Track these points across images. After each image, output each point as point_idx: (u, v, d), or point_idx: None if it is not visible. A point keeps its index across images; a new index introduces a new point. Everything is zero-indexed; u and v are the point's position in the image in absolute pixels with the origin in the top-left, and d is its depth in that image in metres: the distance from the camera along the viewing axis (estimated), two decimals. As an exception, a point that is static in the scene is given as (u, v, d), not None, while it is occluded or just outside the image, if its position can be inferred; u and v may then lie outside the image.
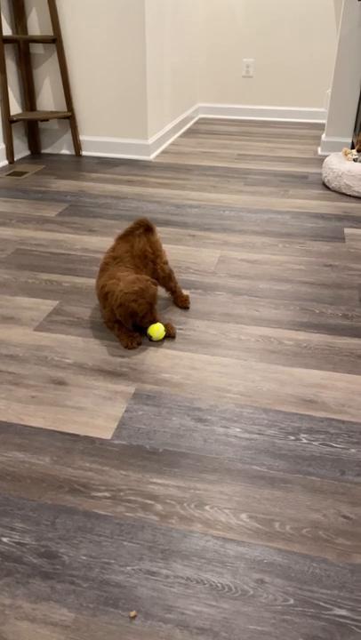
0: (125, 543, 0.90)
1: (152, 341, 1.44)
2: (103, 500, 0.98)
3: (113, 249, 1.53)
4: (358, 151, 2.59)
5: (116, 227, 2.18)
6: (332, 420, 1.18)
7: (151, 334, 1.43)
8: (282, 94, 4.21)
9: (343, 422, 1.17)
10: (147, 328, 1.43)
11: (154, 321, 1.42)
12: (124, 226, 2.18)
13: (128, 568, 0.87)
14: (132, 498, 0.99)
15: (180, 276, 1.79)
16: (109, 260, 1.50)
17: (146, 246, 1.52)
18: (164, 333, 1.44)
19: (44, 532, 0.92)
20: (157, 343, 1.43)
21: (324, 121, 4.18)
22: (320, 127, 4.04)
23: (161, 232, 2.13)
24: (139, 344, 1.42)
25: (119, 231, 2.13)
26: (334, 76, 3.06)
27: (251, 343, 1.45)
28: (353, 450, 1.10)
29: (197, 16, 4.01)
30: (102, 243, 2.04)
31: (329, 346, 1.43)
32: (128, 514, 0.96)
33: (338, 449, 1.10)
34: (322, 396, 1.25)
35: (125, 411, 1.19)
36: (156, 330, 1.43)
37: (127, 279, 1.39)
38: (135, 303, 1.36)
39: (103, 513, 0.96)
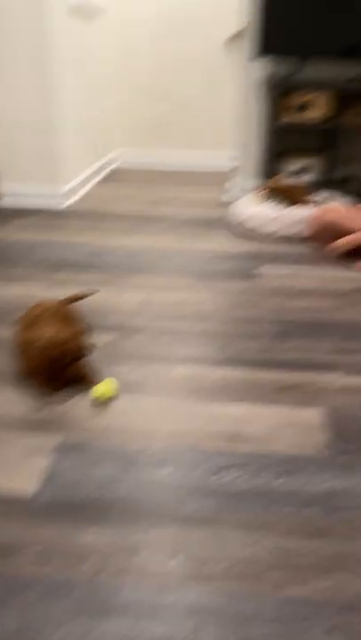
0: (54, 607, 0.86)
1: (100, 402, 1.36)
2: (29, 562, 0.93)
3: (39, 304, 1.54)
4: (262, 195, 2.76)
5: (33, 276, 2.15)
6: (258, 452, 1.20)
7: (97, 395, 1.36)
8: (193, 142, 4.41)
9: (269, 454, 1.19)
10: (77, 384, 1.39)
11: (81, 376, 1.38)
12: (41, 274, 2.16)
13: (59, 633, 0.82)
14: (60, 556, 0.94)
15: (102, 320, 1.78)
16: (38, 314, 1.48)
17: (68, 305, 1.57)
18: (111, 390, 1.36)
19: (-35, 605, 0.86)
20: (83, 390, 1.41)
21: (233, 166, 4.41)
22: (230, 172, 4.25)
23: (81, 277, 2.13)
24: (56, 396, 1.38)
25: (38, 281, 2.10)
26: (239, 126, 3.26)
27: (176, 382, 1.46)
28: (280, 480, 1.12)
29: (110, 69, 4.15)
30: (20, 292, 2.00)
31: (250, 379, 1.47)
32: (56, 573, 0.91)
33: (265, 481, 1.12)
34: (246, 429, 1.27)
35: (50, 462, 1.15)
36: (102, 388, 1.36)
37: (56, 327, 1.39)
38: (60, 348, 1.34)
39: (30, 576, 0.91)
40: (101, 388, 1.36)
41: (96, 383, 1.38)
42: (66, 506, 1.05)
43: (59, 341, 1.36)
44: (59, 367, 1.36)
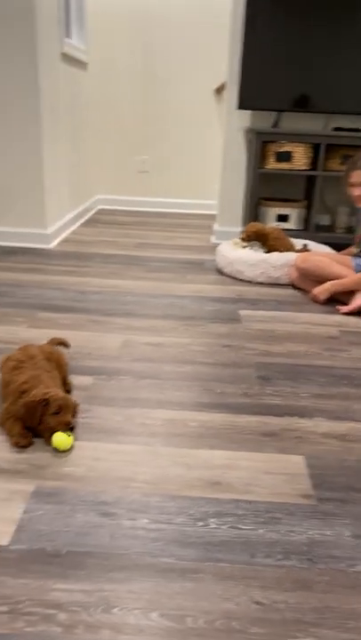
0: (25, 665, 0.81)
1: (59, 451, 1.32)
2: (0, 616, 0.89)
3: (24, 349, 1.54)
4: (242, 239, 2.82)
5: (15, 315, 2.14)
6: (239, 500, 1.18)
7: (58, 445, 1.30)
8: (176, 188, 4.51)
9: (250, 502, 1.17)
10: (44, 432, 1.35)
11: (60, 424, 1.33)
12: (24, 314, 2.15)
13: None
14: (33, 609, 0.90)
15: (83, 363, 1.77)
16: (24, 359, 1.47)
17: (54, 351, 1.58)
18: (70, 440, 1.32)
19: None
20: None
21: (215, 212, 4.51)
22: (213, 217, 4.33)
23: (63, 318, 2.12)
24: (30, 444, 1.34)
25: (20, 320, 2.09)
26: (221, 173, 3.36)
27: (156, 427, 1.44)
28: (261, 530, 1.09)
29: (93, 118, 4.27)
30: (0, 332, 1.98)
31: (232, 425, 1.46)
32: (28, 629, 0.87)
33: (246, 531, 1.09)
34: (227, 476, 1.25)
35: (24, 512, 1.11)
36: (60, 439, 1.31)
37: (40, 374, 1.42)
38: (42, 397, 1.32)
39: (0, 631, 0.86)
40: (59, 440, 1.31)
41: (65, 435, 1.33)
42: (39, 556, 1.01)
43: (40, 391, 1.34)
44: (37, 415, 1.33)
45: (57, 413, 1.32)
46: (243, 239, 2.81)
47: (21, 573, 0.97)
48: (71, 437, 1.33)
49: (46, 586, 0.95)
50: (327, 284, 2.39)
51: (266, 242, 2.79)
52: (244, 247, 2.83)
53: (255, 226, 2.81)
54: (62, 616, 0.89)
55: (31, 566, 0.99)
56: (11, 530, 1.07)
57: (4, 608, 0.90)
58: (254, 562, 1.02)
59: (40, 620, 0.88)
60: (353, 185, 2.39)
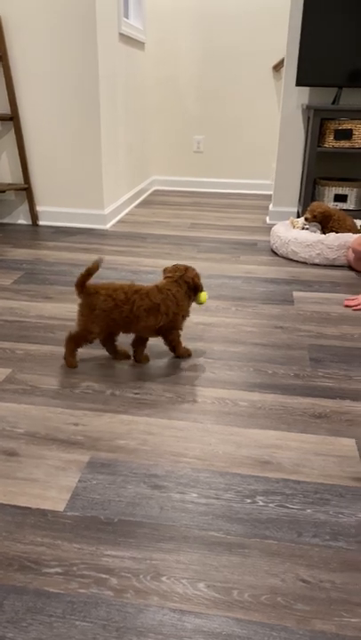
0: (78, 623, 0.86)
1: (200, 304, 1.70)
2: (55, 577, 0.94)
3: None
4: (307, 220, 2.73)
5: (71, 293, 2.20)
6: (288, 480, 1.18)
7: (203, 298, 1.68)
8: (230, 168, 4.46)
9: (298, 482, 1.17)
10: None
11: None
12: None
13: (81, 650, 0.82)
14: (86, 572, 0.95)
15: (135, 341, 1.80)
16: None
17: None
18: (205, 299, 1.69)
19: (-9, 616, 0.87)
20: (113, 409, 1.42)
21: (270, 192, 4.43)
22: (267, 198, 4.27)
23: (116, 298, 2.16)
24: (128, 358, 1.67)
25: (76, 299, 2.15)
26: (278, 151, 3.29)
27: (207, 405, 1.45)
28: (309, 510, 1.10)
29: (150, 98, 4.27)
30: (57, 309, 2.05)
31: (282, 406, 1.46)
32: (81, 590, 0.91)
33: (294, 510, 1.10)
34: (277, 456, 1.26)
35: (79, 481, 1.16)
36: (204, 294, 1.69)
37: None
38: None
39: (55, 591, 0.91)
40: (204, 295, 1.69)
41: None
42: (92, 523, 1.05)
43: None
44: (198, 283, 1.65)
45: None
46: (307, 219, 2.73)
47: (76, 538, 1.02)
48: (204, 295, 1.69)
49: (98, 551, 0.99)
50: None
51: (328, 223, 2.72)
52: (304, 228, 2.76)
53: (321, 206, 2.72)
54: (113, 581, 0.93)
55: (85, 532, 1.03)
56: (66, 497, 1.12)
57: (60, 570, 0.95)
58: (301, 541, 1.02)
59: (92, 583, 0.93)
60: None
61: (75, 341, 1.62)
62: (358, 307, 2.10)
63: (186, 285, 1.64)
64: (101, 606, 0.89)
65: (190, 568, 0.96)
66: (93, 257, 2.69)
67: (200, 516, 1.08)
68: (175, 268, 1.67)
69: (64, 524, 1.05)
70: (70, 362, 1.63)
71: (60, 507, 1.09)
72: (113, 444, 1.28)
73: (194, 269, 1.68)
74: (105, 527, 1.05)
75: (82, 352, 1.71)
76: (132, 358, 1.69)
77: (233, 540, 1.02)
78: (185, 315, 1.65)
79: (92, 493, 1.13)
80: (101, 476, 1.18)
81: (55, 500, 1.11)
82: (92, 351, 1.72)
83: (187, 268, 1.66)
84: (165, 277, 1.66)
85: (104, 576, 0.94)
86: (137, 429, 1.34)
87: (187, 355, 1.71)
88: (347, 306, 2.13)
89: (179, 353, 1.70)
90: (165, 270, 1.69)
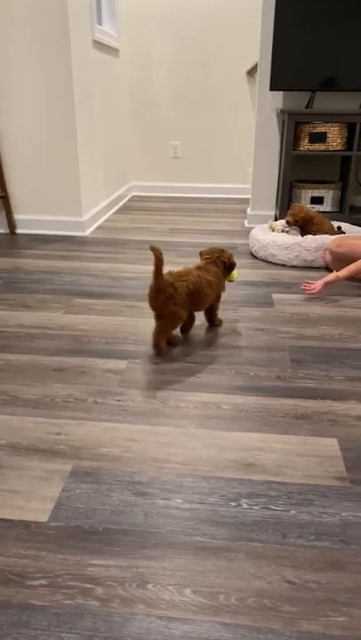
0: (64, 635, 0.85)
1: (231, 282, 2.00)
2: (39, 589, 0.93)
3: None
4: (288, 223, 2.76)
5: (51, 301, 2.19)
6: (272, 482, 1.18)
7: (235, 275, 1.98)
8: (208, 172, 4.48)
9: (282, 484, 1.18)
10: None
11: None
12: (61, 300, 2.19)
13: (67, 663, 0.81)
14: (71, 583, 0.94)
15: (118, 347, 1.80)
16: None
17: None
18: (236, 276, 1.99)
19: (-25, 632, 0.85)
20: (95, 417, 1.41)
21: (248, 196, 4.46)
22: (245, 202, 4.30)
23: (98, 304, 2.16)
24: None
25: (56, 306, 2.13)
26: (254, 156, 3.32)
27: (189, 410, 1.45)
28: (293, 511, 1.10)
29: (126, 105, 4.28)
30: (37, 318, 2.03)
31: (265, 408, 1.46)
32: (66, 601, 0.90)
33: (278, 511, 1.10)
34: (260, 458, 1.26)
35: (62, 490, 1.15)
36: (236, 271, 1.99)
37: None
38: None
39: (39, 603, 0.90)
40: (234, 274, 1.97)
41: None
42: (77, 533, 1.04)
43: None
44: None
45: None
46: (288, 222, 2.75)
47: (60, 549, 1.01)
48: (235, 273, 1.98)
49: (83, 561, 0.98)
50: (339, 275, 2.25)
51: (308, 227, 2.74)
52: (280, 230, 2.78)
53: (303, 210, 2.73)
54: (99, 590, 0.93)
55: (69, 542, 1.02)
56: (49, 507, 1.10)
57: (44, 581, 0.94)
58: (286, 542, 1.03)
59: (77, 594, 0.92)
60: None
61: (167, 333, 1.77)
62: (313, 291, 2.20)
63: (223, 265, 1.93)
64: (87, 617, 0.88)
65: (176, 574, 0.96)
66: (73, 264, 2.67)
67: (185, 521, 1.08)
68: (211, 250, 1.96)
69: (48, 535, 1.04)
70: (164, 348, 1.76)
71: (44, 517, 1.08)
72: (96, 453, 1.27)
73: (228, 251, 1.97)
74: (89, 536, 1.04)
75: (61, 361, 1.70)
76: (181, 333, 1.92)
77: (218, 543, 1.02)
78: (223, 289, 1.93)
79: (76, 503, 1.12)
80: (85, 485, 1.17)
81: (38, 510, 1.10)
82: (73, 359, 1.72)
83: (222, 250, 1.96)
84: (204, 259, 1.94)
85: (89, 586, 0.93)
86: (120, 437, 1.33)
87: (220, 324, 1.98)
88: (303, 289, 2.23)
89: (218, 322, 1.97)
90: (202, 253, 1.98)
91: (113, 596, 0.92)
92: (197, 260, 2.75)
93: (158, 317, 1.75)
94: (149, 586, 0.94)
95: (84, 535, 1.04)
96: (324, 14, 2.90)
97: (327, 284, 2.22)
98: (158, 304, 1.71)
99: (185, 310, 1.75)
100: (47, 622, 0.87)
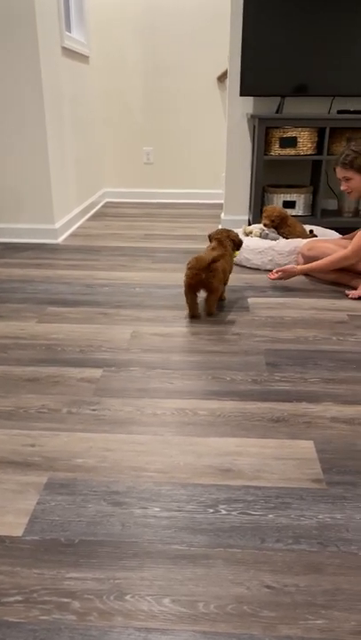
0: (40, 652, 0.83)
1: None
2: (15, 606, 0.90)
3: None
4: (265, 225, 2.77)
5: (25, 310, 2.16)
6: (249, 487, 1.18)
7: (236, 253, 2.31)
8: (181, 178, 4.50)
9: (260, 488, 1.18)
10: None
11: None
12: (34, 309, 2.17)
13: None
14: (47, 598, 0.92)
15: (93, 355, 1.78)
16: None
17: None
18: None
19: None
20: (70, 427, 1.39)
21: (221, 201, 4.48)
22: (219, 207, 4.32)
23: (72, 312, 2.13)
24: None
25: (29, 315, 2.11)
26: (226, 161, 3.34)
27: (166, 417, 1.45)
28: (271, 515, 1.10)
29: (97, 111, 4.26)
30: (10, 328, 2.00)
31: (241, 412, 1.46)
32: (43, 617, 0.89)
33: (256, 516, 1.10)
34: (237, 463, 1.26)
35: (37, 503, 1.13)
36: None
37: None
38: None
39: (15, 620, 0.88)
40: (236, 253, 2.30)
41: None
42: (52, 546, 1.02)
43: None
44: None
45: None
46: (266, 225, 2.77)
47: (35, 563, 0.99)
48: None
49: (60, 575, 0.96)
50: (297, 269, 2.35)
51: (284, 225, 2.75)
52: (254, 234, 2.79)
53: (276, 209, 2.75)
54: (76, 604, 0.91)
55: (44, 556, 1.00)
56: (24, 521, 1.08)
57: (19, 597, 0.92)
58: (265, 547, 1.02)
59: (54, 609, 0.90)
60: (339, 179, 2.37)
61: (215, 302, 2.12)
62: (276, 277, 2.35)
63: (232, 243, 2.27)
64: (64, 632, 0.86)
65: (155, 584, 0.95)
66: (46, 272, 2.65)
67: (163, 530, 1.07)
68: (219, 231, 2.28)
69: (23, 550, 1.02)
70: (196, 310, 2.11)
71: (19, 532, 1.06)
72: (71, 464, 1.26)
73: (233, 231, 2.32)
74: (66, 549, 1.02)
75: (34, 371, 1.68)
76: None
77: (197, 551, 1.02)
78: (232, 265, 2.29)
79: (52, 515, 1.10)
80: (60, 496, 1.15)
81: (12, 525, 1.07)
82: (46, 369, 1.69)
83: (229, 231, 2.29)
84: (215, 239, 2.24)
85: (66, 600, 0.92)
86: (95, 447, 1.32)
87: (225, 297, 2.29)
88: (270, 277, 2.39)
89: (224, 295, 2.27)
90: (211, 235, 2.28)
91: (90, 609, 0.90)
92: (173, 266, 2.77)
93: (206, 291, 2.10)
94: (127, 597, 0.92)
95: (60, 548, 1.02)
96: (292, 20, 2.94)
97: (285, 273, 2.35)
98: (205, 281, 2.04)
99: (221, 283, 2.12)
100: (24, 639, 0.85)
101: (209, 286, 2.06)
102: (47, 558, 1.00)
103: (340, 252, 2.30)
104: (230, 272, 2.25)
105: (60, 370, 1.69)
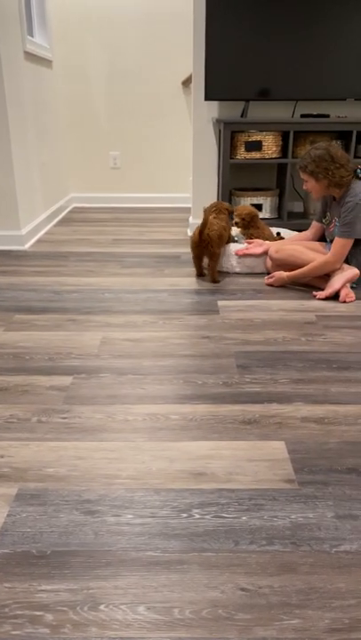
0: (13, 668, 0.81)
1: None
2: (-14, 622, 0.88)
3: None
4: (237, 224, 2.78)
5: (-9, 319, 2.12)
6: (222, 490, 1.18)
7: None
8: (148, 182, 4.49)
9: (233, 491, 1.18)
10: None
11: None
12: (0, 317, 2.13)
13: None
14: (19, 612, 0.90)
15: (62, 362, 1.76)
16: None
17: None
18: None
19: None
20: (40, 436, 1.37)
21: (189, 205, 4.50)
22: (187, 210, 4.33)
23: (40, 319, 2.10)
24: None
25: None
26: (193, 165, 3.35)
27: (138, 423, 1.44)
28: (244, 517, 1.10)
29: (62, 116, 4.23)
30: (-23, 337, 1.96)
31: (213, 415, 1.47)
32: (15, 632, 0.87)
33: (230, 519, 1.10)
34: (210, 467, 1.26)
35: (7, 515, 1.11)
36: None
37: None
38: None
39: (-14, 637, 0.86)
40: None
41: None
42: (24, 559, 1.00)
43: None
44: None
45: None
46: (237, 224, 2.78)
47: (6, 577, 0.97)
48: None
49: (32, 588, 0.95)
50: (284, 276, 2.42)
51: (253, 227, 2.77)
52: (234, 241, 2.80)
53: (246, 207, 2.77)
54: (49, 617, 0.89)
55: (16, 569, 0.98)
56: (-6, 534, 1.06)
57: (-9, 613, 0.90)
58: (238, 549, 1.03)
59: (27, 623, 0.88)
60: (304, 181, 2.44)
61: (216, 266, 2.56)
62: (269, 282, 2.51)
63: (227, 212, 2.62)
64: (37, 646, 0.84)
65: (129, 592, 0.94)
66: (12, 279, 2.60)
67: (136, 537, 1.06)
68: (214, 204, 2.61)
69: (-7, 564, 0.99)
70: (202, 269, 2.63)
71: (-12, 546, 1.03)
72: (42, 474, 1.23)
73: (225, 202, 2.73)
74: (37, 561, 1.00)
75: (1, 380, 1.65)
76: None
77: (171, 557, 1.01)
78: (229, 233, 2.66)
79: (23, 527, 1.08)
80: (31, 507, 1.13)
81: (-18, 539, 1.05)
82: (14, 378, 1.66)
83: (221, 202, 2.65)
84: (213, 211, 2.53)
85: (39, 613, 0.90)
86: (66, 455, 1.30)
87: (218, 280, 2.59)
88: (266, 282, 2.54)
89: (218, 279, 2.59)
90: (206, 209, 2.54)
91: (64, 621, 0.89)
92: (142, 270, 2.76)
93: (209, 258, 2.53)
94: (102, 607, 0.91)
95: (31, 560, 1.00)
96: (255, 25, 2.98)
97: (275, 280, 2.49)
98: (207, 249, 2.47)
99: (219, 248, 2.50)
100: (-6, 657, 0.83)
101: (209, 253, 2.50)
102: (18, 571, 0.98)
103: (323, 258, 2.34)
104: (228, 235, 2.63)
105: (28, 378, 1.66)
